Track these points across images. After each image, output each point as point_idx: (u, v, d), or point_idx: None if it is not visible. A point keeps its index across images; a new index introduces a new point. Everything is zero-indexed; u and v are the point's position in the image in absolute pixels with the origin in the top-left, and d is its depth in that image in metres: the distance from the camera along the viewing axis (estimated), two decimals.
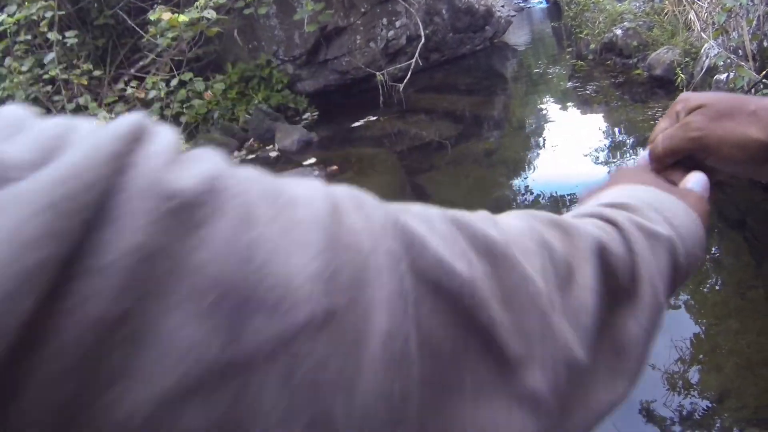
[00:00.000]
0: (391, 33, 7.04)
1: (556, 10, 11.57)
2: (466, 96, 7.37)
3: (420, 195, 4.99)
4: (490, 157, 5.57)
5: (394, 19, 7.08)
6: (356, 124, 6.25)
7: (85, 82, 5.82)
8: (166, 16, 5.22)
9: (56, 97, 5.89)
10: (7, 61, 5.94)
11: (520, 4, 12.78)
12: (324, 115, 6.58)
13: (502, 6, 10.12)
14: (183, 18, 5.15)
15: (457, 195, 4.92)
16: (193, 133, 5.64)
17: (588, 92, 6.39)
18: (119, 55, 6.16)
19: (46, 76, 5.76)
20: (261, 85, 6.22)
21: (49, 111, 5.79)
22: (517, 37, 10.25)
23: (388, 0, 6.92)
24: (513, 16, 10.73)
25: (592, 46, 7.24)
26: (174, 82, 5.42)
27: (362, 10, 6.68)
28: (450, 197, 4.79)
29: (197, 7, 5.29)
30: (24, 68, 5.82)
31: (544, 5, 12.85)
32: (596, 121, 5.58)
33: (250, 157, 5.83)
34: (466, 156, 5.54)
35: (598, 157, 4.72)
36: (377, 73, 6.39)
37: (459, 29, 8.38)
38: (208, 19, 5.30)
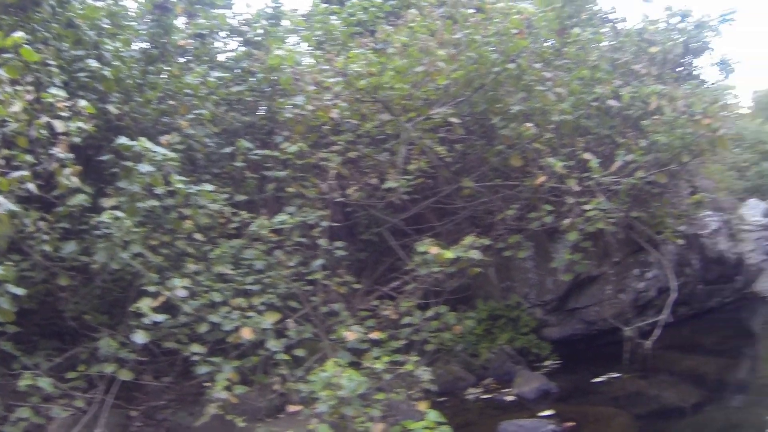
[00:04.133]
0: (641, 285, 6.84)
1: None
2: (711, 356, 6.95)
3: None
4: None
5: (645, 270, 6.89)
6: (597, 379, 6.05)
7: (343, 291, 6.22)
8: (434, 250, 5.50)
9: (313, 298, 6.33)
10: (278, 253, 6.55)
11: None
12: (566, 364, 6.44)
13: (752, 251, 9.50)
14: (450, 255, 5.39)
15: None
16: (431, 361, 5.70)
17: None
18: (377, 271, 6.58)
19: (309, 277, 6.23)
20: (508, 325, 6.26)
21: (302, 306, 6.22)
22: None
23: (641, 250, 6.78)
24: (764, 260, 10.02)
25: None
26: (429, 312, 5.60)
27: (615, 259, 6.61)
28: None
29: (463, 246, 5.52)
30: (291, 264, 6.37)
31: None
32: None
33: (485, 396, 5.78)
34: (705, 428, 5.24)
35: None
36: (624, 329, 6.17)
37: (709, 280, 7.94)
38: (472, 259, 5.50)
